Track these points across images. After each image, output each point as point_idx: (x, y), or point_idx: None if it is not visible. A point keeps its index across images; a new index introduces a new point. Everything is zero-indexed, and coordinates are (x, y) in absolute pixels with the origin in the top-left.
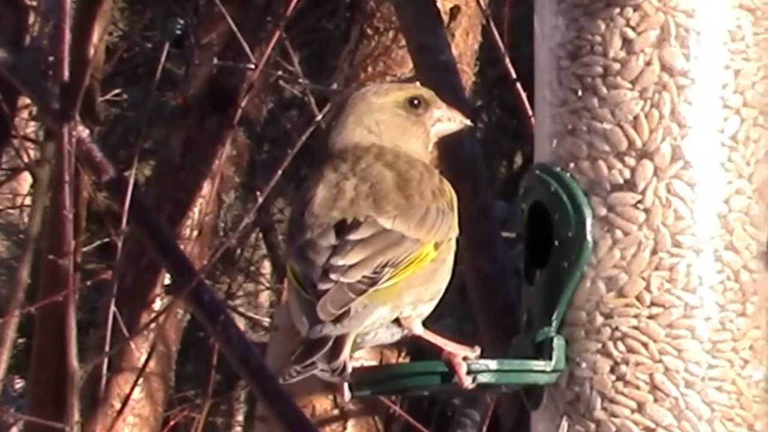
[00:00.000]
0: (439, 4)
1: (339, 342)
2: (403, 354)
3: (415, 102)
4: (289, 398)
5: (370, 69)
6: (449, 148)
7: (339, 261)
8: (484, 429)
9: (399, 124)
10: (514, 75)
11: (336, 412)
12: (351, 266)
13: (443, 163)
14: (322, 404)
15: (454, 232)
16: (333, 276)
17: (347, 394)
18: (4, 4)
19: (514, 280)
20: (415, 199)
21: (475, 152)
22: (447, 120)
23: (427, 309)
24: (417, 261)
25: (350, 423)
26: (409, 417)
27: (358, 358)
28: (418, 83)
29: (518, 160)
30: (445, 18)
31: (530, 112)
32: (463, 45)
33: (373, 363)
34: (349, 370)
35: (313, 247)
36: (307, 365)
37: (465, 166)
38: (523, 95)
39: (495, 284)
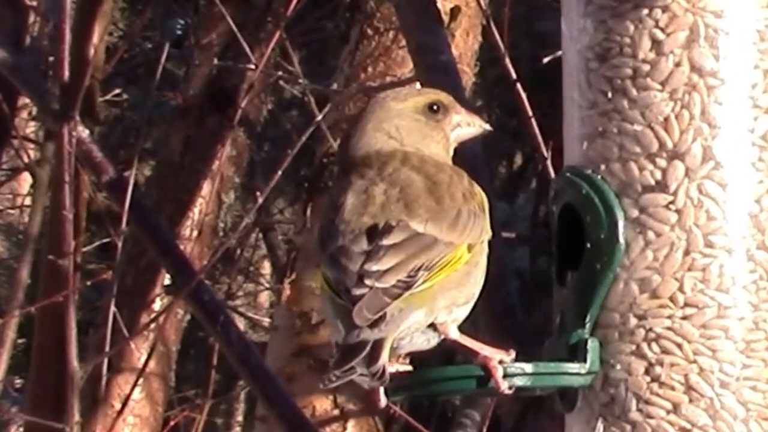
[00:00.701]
0: (439, 5)
1: (377, 346)
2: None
3: (434, 107)
4: (289, 398)
5: (370, 69)
6: None
7: (373, 266)
8: (484, 429)
9: (419, 128)
10: (514, 75)
11: (336, 412)
12: (385, 271)
13: None
14: (322, 404)
15: (487, 234)
16: (368, 281)
17: (383, 400)
18: (4, 4)
19: (514, 281)
20: (446, 201)
21: (475, 152)
22: (466, 125)
23: (462, 313)
24: (451, 264)
25: (350, 423)
26: (409, 417)
27: (392, 363)
28: (418, 84)
29: (518, 160)
30: (445, 18)
31: (530, 112)
32: (463, 45)
33: (409, 368)
34: (388, 374)
35: (345, 253)
36: (347, 370)
37: (465, 166)
38: (523, 95)
39: (495, 285)
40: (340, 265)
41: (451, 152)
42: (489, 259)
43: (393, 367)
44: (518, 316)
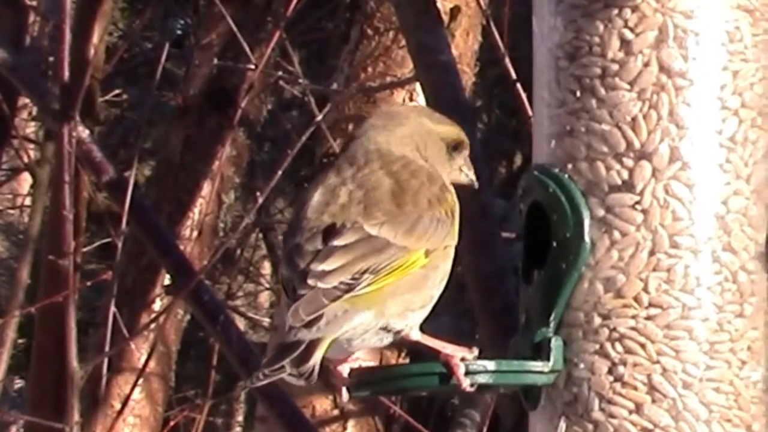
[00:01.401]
0: (439, 5)
1: (311, 347)
2: (402, 354)
3: (455, 146)
4: (289, 398)
5: (370, 69)
6: None
7: (319, 266)
8: (484, 429)
9: (437, 154)
10: (514, 75)
11: (336, 412)
12: (329, 271)
13: None
14: (322, 404)
15: (452, 240)
16: (310, 281)
17: (345, 395)
18: (4, 4)
19: (513, 279)
20: (407, 207)
21: (475, 152)
22: (465, 172)
23: (418, 317)
24: (402, 268)
25: (350, 423)
26: (409, 417)
27: (356, 359)
28: (418, 84)
29: (518, 160)
30: (445, 18)
31: (530, 113)
32: (463, 45)
33: (373, 363)
34: (316, 375)
35: (299, 251)
36: (276, 369)
37: None
38: (523, 95)
39: (494, 284)
40: (293, 263)
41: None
42: (455, 263)
43: (356, 363)
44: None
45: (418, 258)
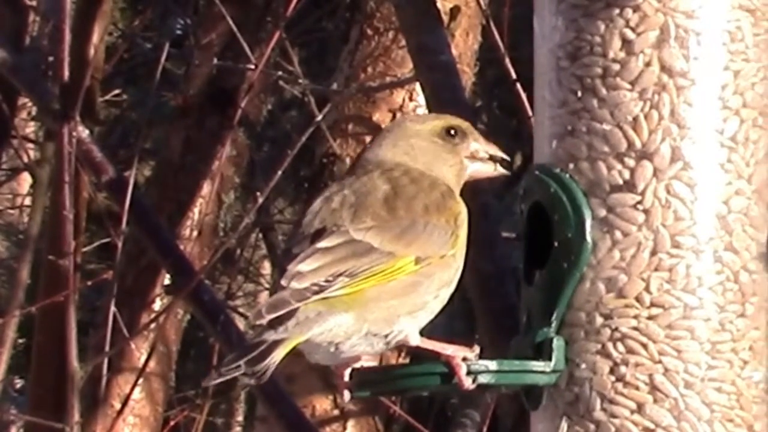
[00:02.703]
0: (439, 5)
1: (271, 347)
2: (402, 355)
3: (452, 131)
4: (290, 399)
5: (370, 69)
6: None
7: (296, 267)
8: (484, 429)
9: (433, 150)
10: (514, 75)
11: (336, 412)
12: (304, 273)
13: None
14: (322, 404)
15: (454, 250)
16: (283, 281)
17: (347, 396)
18: (4, 4)
19: (513, 280)
20: (399, 212)
21: None
22: (483, 153)
23: (411, 322)
24: (385, 273)
25: (350, 423)
26: (409, 417)
27: (358, 359)
28: (418, 84)
29: (518, 160)
30: (445, 18)
31: (530, 113)
32: (463, 45)
33: (374, 364)
34: (269, 375)
35: (288, 254)
36: (231, 368)
37: None
38: (523, 95)
39: (495, 285)
40: (281, 266)
41: (463, 180)
42: (463, 273)
43: (358, 363)
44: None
45: (407, 264)
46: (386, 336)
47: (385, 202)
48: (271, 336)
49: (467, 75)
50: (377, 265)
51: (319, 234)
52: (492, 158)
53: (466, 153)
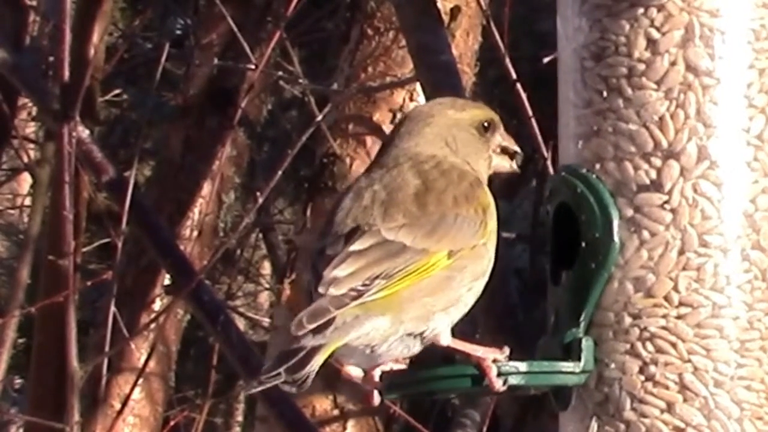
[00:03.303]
0: (439, 5)
1: (310, 353)
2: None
3: (487, 125)
4: (290, 399)
5: (370, 69)
6: None
7: (332, 272)
8: (484, 429)
9: (472, 142)
10: (514, 75)
11: (336, 412)
12: (341, 278)
13: None
14: (322, 404)
15: (484, 239)
16: (321, 288)
17: (377, 399)
18: (4, 4)
19: (514, 280)
20: (429, 207)
21: None
22: (503, 149)
23: (444, 319)
24: (419, 271)
25: (350, 423)
26: (409, 417)
27: (387, 362)
28: (418, 84)
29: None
30: (446, 18)
31: (530, 112)
32: (464, 45)
33: (403, 366)
34: (310, 382)
35: (321, 256)
36: (271, 376)
37: None
38: (523, 95)
39: (496, 285)
40: (314, 268)
41: (490, 173)
42: (496, 262)
43: (387, 366)
44: (519, 317)
45: (440, 260)
46: (422, 334)
47: (415, 198)
48: (309, 342)
49: (467, 75)
50: (412, 264)
51: (352, 234)
52: (507, 152)
53: (494, 146)
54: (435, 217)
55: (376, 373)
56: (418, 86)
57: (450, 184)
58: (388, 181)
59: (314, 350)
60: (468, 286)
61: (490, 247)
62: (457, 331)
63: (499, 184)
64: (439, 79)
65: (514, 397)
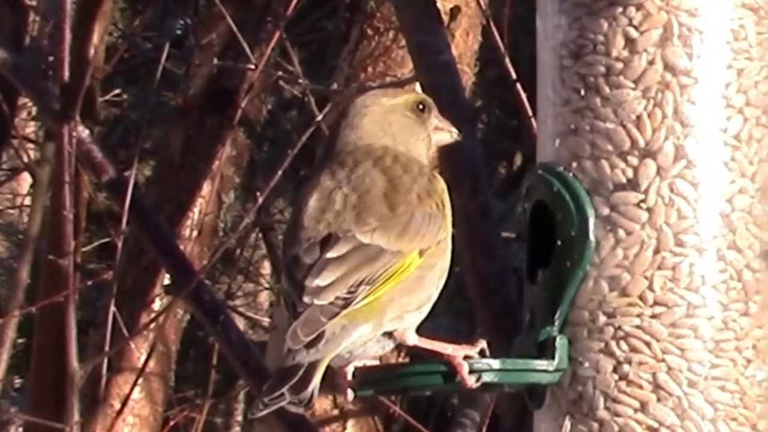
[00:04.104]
0: (439, 5)
1: (310, 370)
2: (402, 354)
3: (421, 106)
4: None
5: (370, 69)
6: (449, 148)
7: (314, 281)
8: (484, 429)
9: (409, 125)
10: (514, 75)
11: (336, 412)
12: (324, 287)
13: (443, 163)
14: (322, 404)
15: (446, 233)
16: (306, 298)
17: (350, 395)
18: (4, 4)
19: (513, 279)
20: (399, 208)
21: (475, 152)
22: (442, 130)
23: (415, 317)
24: (397, 273)
25: (350, 423)
26: (408, 417)
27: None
28: (418, 84)
29: (518, 160)
30: (445, 18)
31: (530, 112)
32: (463, 45)
33: (376, 363)
34: (315, 400)
35: (297, 263)
36: (275, 398)
37: (465, 166)
38: (523, 95)
39: (495, 284)
40: (292, 277)
41: (431, 152)
42: (454, 255)
43: (360, 362)
44: (518, 316)
45: (414, 260)
46: (392, 333)
47: (385, 198)
48: (305, 358)
49: (467, 75)
50: (390, 266)
51: (326, 241)
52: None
53: (431, 127)
54: (405, 218)
55: (349, 370)
56: (417, 86)
57: (413, 182)
58: (356, 182)
59: (312, 367)
60: (437, 284)
61: (449, 238)
62: (456, 330)
63: (500, 185)
64: (439, 79)
65: (514, 397)
